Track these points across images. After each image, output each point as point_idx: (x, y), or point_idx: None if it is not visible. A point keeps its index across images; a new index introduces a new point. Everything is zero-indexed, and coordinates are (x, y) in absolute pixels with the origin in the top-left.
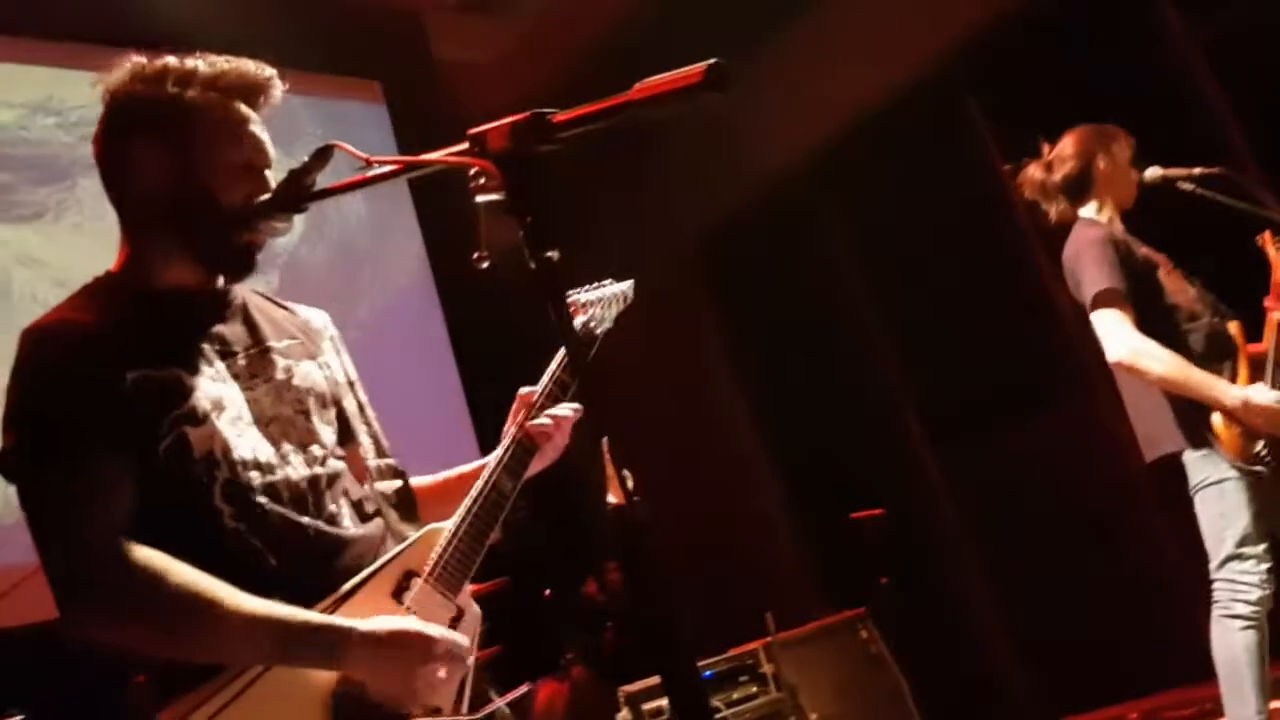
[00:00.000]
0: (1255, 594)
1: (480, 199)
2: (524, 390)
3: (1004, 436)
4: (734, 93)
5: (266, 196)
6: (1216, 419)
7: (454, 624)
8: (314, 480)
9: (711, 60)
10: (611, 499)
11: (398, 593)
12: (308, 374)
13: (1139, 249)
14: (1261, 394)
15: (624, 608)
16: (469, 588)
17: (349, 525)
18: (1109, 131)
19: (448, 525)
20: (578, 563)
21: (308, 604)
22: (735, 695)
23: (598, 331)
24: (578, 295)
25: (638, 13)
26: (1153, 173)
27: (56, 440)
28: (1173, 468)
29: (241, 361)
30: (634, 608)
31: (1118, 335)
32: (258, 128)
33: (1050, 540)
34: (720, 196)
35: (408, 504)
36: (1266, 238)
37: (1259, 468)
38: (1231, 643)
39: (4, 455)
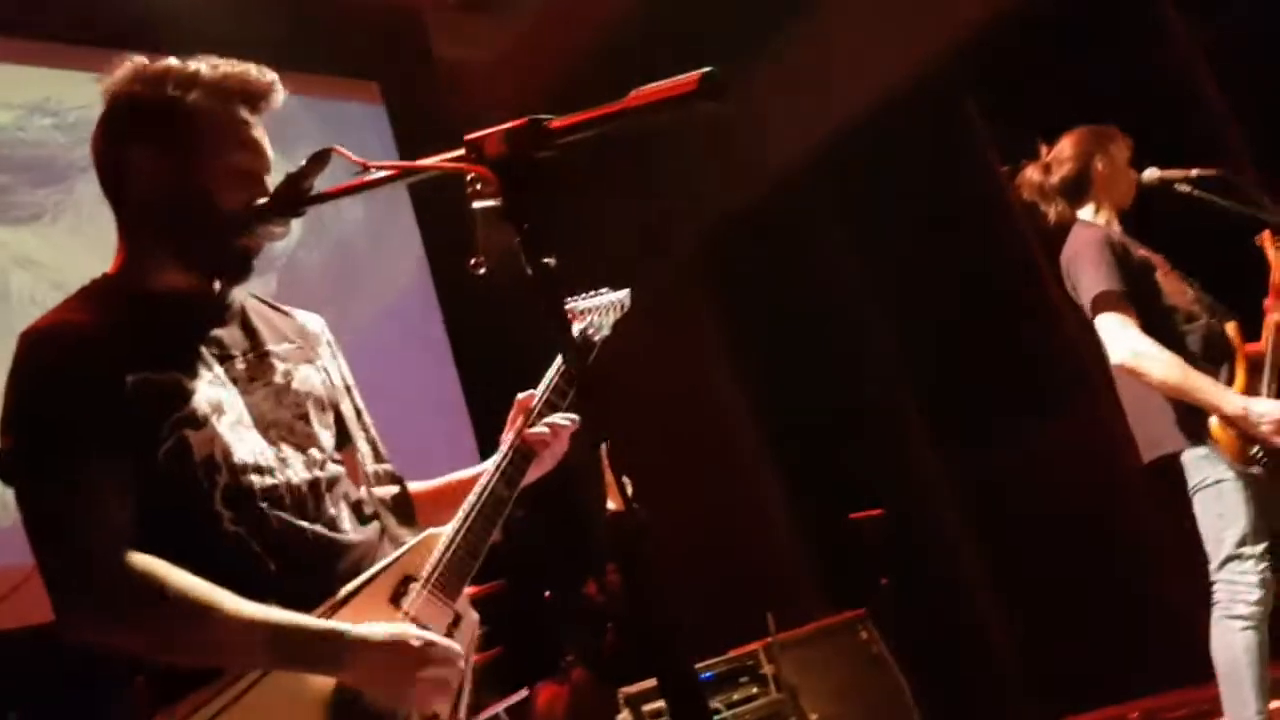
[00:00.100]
0: (1255, 594)
1: (477, 205)
2: (522, 395)
3: (1004, 436)
4: (733, 93)
5: (264, 200)
6: (1213, 420)
7: (451, 629)
8: (314, 484)
9: (706, 69)
10: (610, 505)
11: (396, 598)
12: (306, 378)
13: (1137, 250)
14: (1263, 405)
15: (624, 610)
16: (467, 592)
17: (348, 529)
18: (1107, 133)
19: (445, 530)
20: (577, 564)
21: (306, 608)
22: (736, 696)
23: (595, 339)
24: (575, 303)
25: (637, 12)
26: (1151, 174)
27: (55, 443)
28: (1171, 469)
29: (240, 365)
30: (632, 615)
31: (1121, 338)
32: (258, 132)
33: (1050, 540)
34: (720, 196)
35: (405, 509)
36: (1266, 238)
37: (1256, 468)
38: (1232, 643)
39: (2, 457)
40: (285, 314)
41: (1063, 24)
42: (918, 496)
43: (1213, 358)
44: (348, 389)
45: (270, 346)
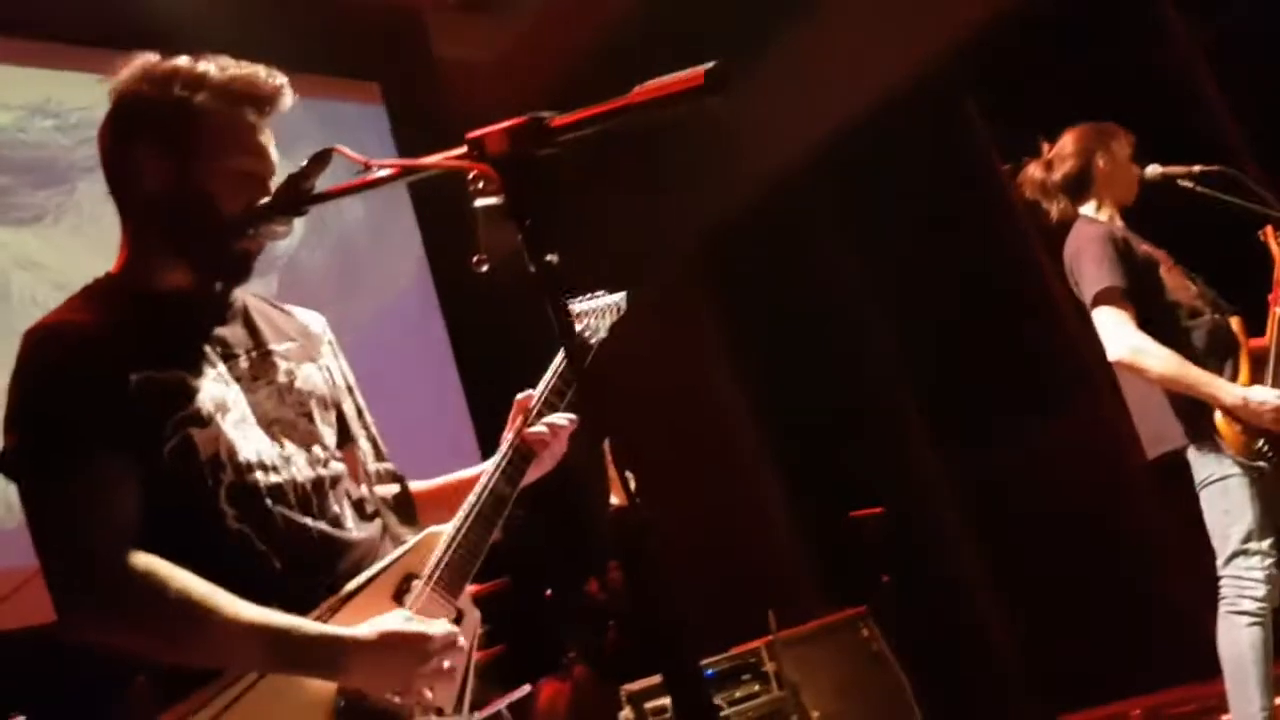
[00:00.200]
0: (1261, 590)
1: (479, 203)
2: (522, 395)
3: (1004, 435)
4: (734, 93)
5: (266, 200)
6: (1218, 416)
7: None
8: (318, 481)
9: (711, 63)
10: (614, 500)
11: (398, 595)
12: (309, 376)
13: (1139, 246)
14: (1262, 393)
15: (625, 607)
16: (469, 590)
17: (351, 527)
18: (1108, 129)
19: (447, 529)
20: (579, 562)
21: (310, 606)
22: (737, 694)
23: (592, 341)
24: (571, 305)
25: (637, 12)
26: (1153, 170)
27: (58, 441)
28: (1174, 465)
29: (244, 364)
30: (636, 610)
31: (1118, 334)
32: (264, 137)
33: (1051, 537)
34: (720, 196)
35: (406, 507)
36: (1268, 232)
37: (1261, 463)
38: (1237, 639)
39: (5, 456)
40: (287, 313)
41: (1063, 24)
42: (918, 494)
43: (1217, 353)
44: (349, 388)
45: (273, 345)
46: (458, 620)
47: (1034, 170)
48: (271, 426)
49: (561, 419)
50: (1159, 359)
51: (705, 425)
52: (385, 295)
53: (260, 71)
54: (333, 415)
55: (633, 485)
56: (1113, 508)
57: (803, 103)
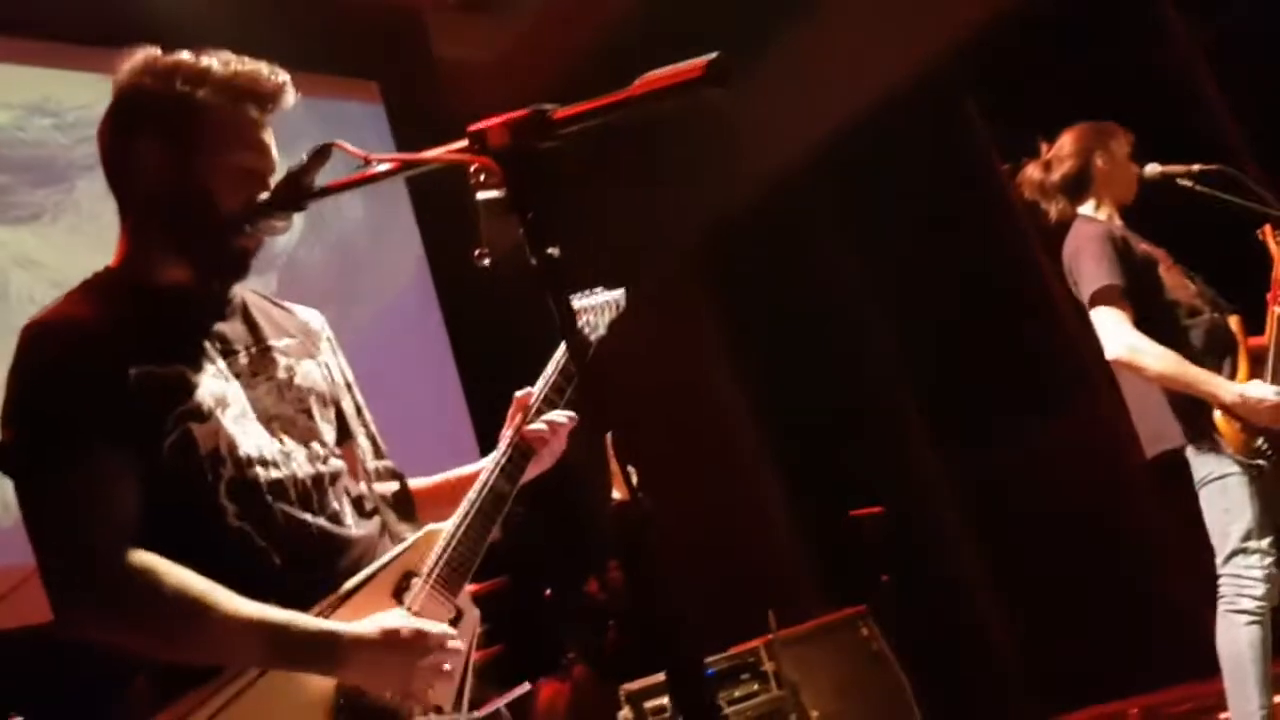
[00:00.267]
0: (1260, 589)
1: (480, 196)
2: (521, 393)
3: (1004, 434)
4: (734, 91)
5: (265, 196)
6: (1217, 414)
7: (453, 625)
8: (318, 478)
9: (713, 54)
10: (615, 495)
11: (398, 593)
12: (308, 373)
13: (1138, 245)
14: (1259, 389)
15: (625, 606)
16: (468, 588)
17: (351, 524)
18: (1106, 128)
19: (446, 526)
20: (578, 562)
21: (309, 603)
22: (737, 693)
23: (591, 338)
24: (572, 302)
25: (637, 12)
26: (1152, 169)
27: (57, 436)
28: (1173, 464)
29: (243, 360)
30: (637, 605)
31: (1115, 333)
32: (266, 134)
33: (1051, 537)
34: (720, 195)
35: (405, 505)
36: (1267, 231)
37: (1260, 461)
38: (1236, 638)
39: (3, 450)
40: (286, 310)
41: (1063, 24)
42: (918, 494)
43: (1216, 352)
44: (348, 385)
45: (272, 342)
46: (457, 618)
47: (1033, 171)
48: (271, 422)
49: (561, 416)
50: (1157, 358)
51: (704, 424)
52: (385, 293)
53: (263, 68)
54: (332, 412)
55: (634, 480)
56: (1112, 507)
57: (803, 102)
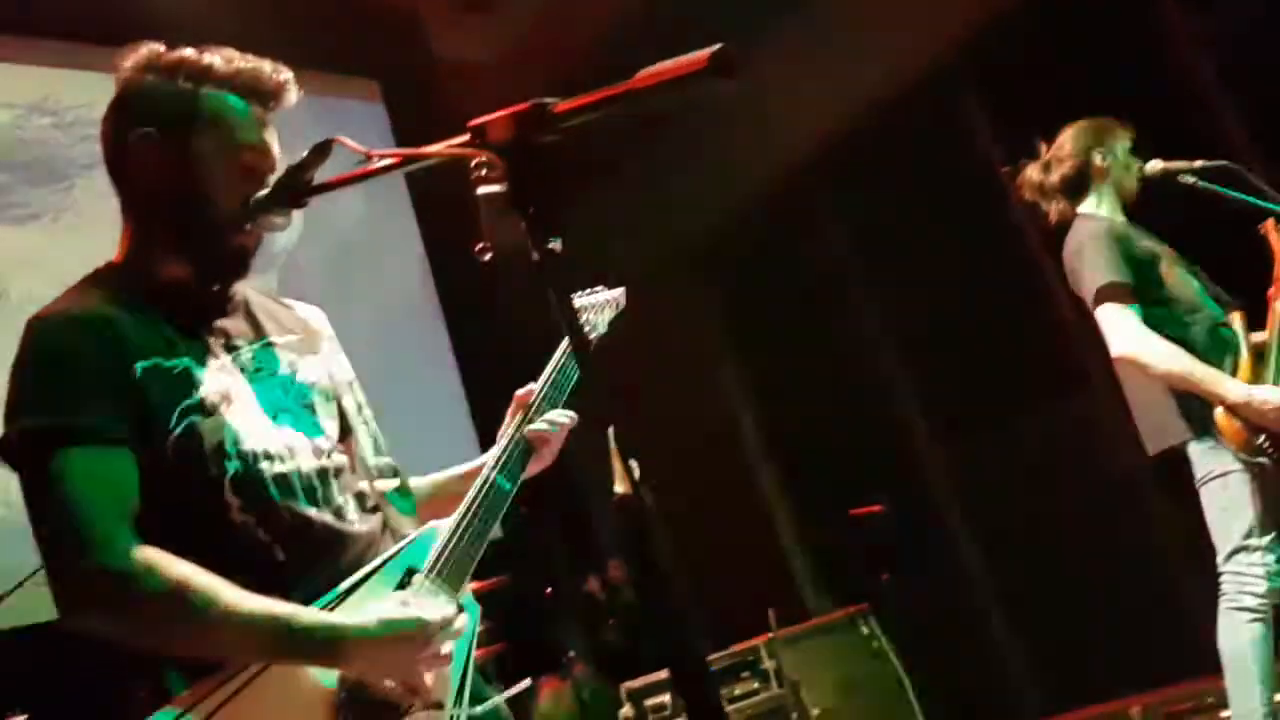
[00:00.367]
0: (1262, 586)
1: (482, 190)
2: (521, 391)
3: (1005, 433)
4: (734, 90)
5: (264, 192)
6: (1219, 412)
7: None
8: (322, 471)
9: (717, 45)
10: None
11: (399, 589)
12: (310, 369)
13: (1141, 241)
14: (1266, 391)
15: (625, 604)
16: (469, 585)
17: (354, 519)
18: (1104, 125)
19: (447, 523)
20: (579, 560)
21: (312, 599)
22: (737, 691)
23: (592, 337)
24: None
25: (637, 12)
26: (1154, 166)
27: (61, 430)
28: (1174, 461)
29: (247, 355)
30: (641, 598)
31: (1122, 330)
32: (267, 132)
33: (1051, 535)
34: (721, 194)
35: (406, 501)
36: (1269, 225)
37: (1262, 459)
38: (1238, 635)
39: (7, 443)
40: (287, 307)
41: (1063, 23)
42: (919, 492)
43: (1217, 348)
44: (349, 382)
45: (274, 338)
46: (459, 614)
47: (1032, 172)
48: (276, 417)
49: (563, 416)
50: (1163, 355)
51: (706, 421)
52: (385, 292)
53: (266, 66)
54: (334, 408)
55: (636, 474)
56: (1113, 505)
57: (803, 102)
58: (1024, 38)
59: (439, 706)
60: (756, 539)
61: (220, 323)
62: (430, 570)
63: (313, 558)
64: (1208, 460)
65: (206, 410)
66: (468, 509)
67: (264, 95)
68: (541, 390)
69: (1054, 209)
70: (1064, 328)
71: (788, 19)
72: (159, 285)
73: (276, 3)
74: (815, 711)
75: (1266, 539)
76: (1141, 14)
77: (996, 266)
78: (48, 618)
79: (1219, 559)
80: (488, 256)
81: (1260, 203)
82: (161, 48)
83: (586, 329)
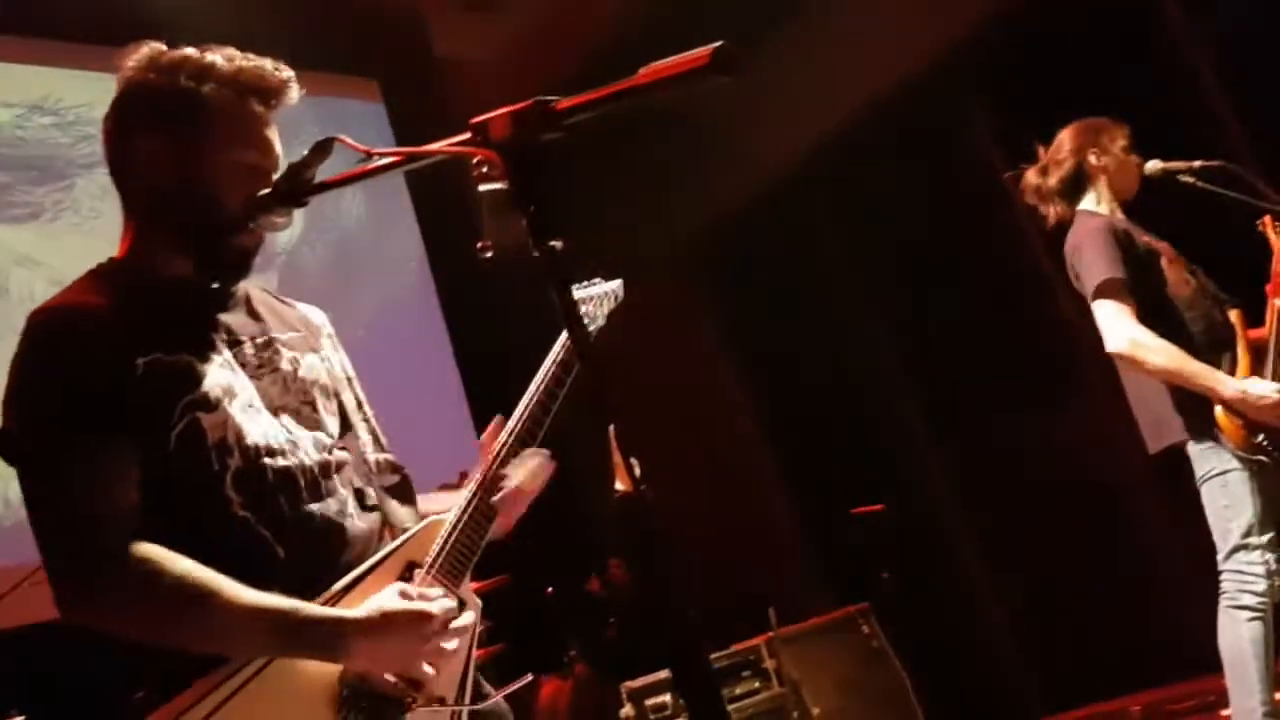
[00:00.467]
0: (1262, 585)
1: (483, 188)
2: (486, 434)
3: (1005, 432)
4: (735, 89)
5: (266, 191)
6: (1219, 410)
7: (455, 616)
8: (325, 465)
9: (718, 43)
10: (619, 487)
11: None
12: (312, 366)
13: (1141, 238)
14: (1260, 385)
15: (626, 604)
16: (470, 580)
17: (354, 515)
18: (1097, 125)
19: (448, 517)
20: (580, 559)
21: (312, 594)
22: (738, 690)
23: (591, 329)
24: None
25: (637, 10)
26: (1153, 165)
27: (62, 424)
28: (1174, 461)
29: (249, 350)
30: (643, 595)
31: (1116, 326)
32: (269, 130)
33: (1052, 533)
34: (721, 193)
35: (406, 497)
36: (1267, 222)
37: (1261, 457)
38: (1238, 634)
39: (6, 437)
40: (288, 305)
41: (1063, 23)
42: (919, 491)
43: (1216, 346)
44: (349, 380)
45: (276, 334)
46: (459, 609)
47: (1031, 176)
48: (278, 413)
49: (529, 473)
50: (1158, 352)
51: (706, 421)
52: (385, 292)
53: (267, 64)
54: (334, 405)
55: (637, 471)
56: (1113, 503)
57: (803, 102)
58: (1024, 38)
59: (441, 702)
60: (757, 538)
61: (223, 318)
62: (431, 565)
63: (312, 554)
64: (1208, 459)
65: (209, 405)
66: (468, 503)
67: (266, 93)
68: (541, 384)
69: (1053, 212)
70: (1064, 328)
71: (787, 19)
72: (161, 282)
73: (277, 2)
74: (816, 711)
75: (1265, 537)
76: (1141, 14)
77: (996, 266)
78: (47, 618)
79: (1219, 557)
80: (489, 254)
81: (1258, 202)
82: (163, 47)
83: (586, 321)
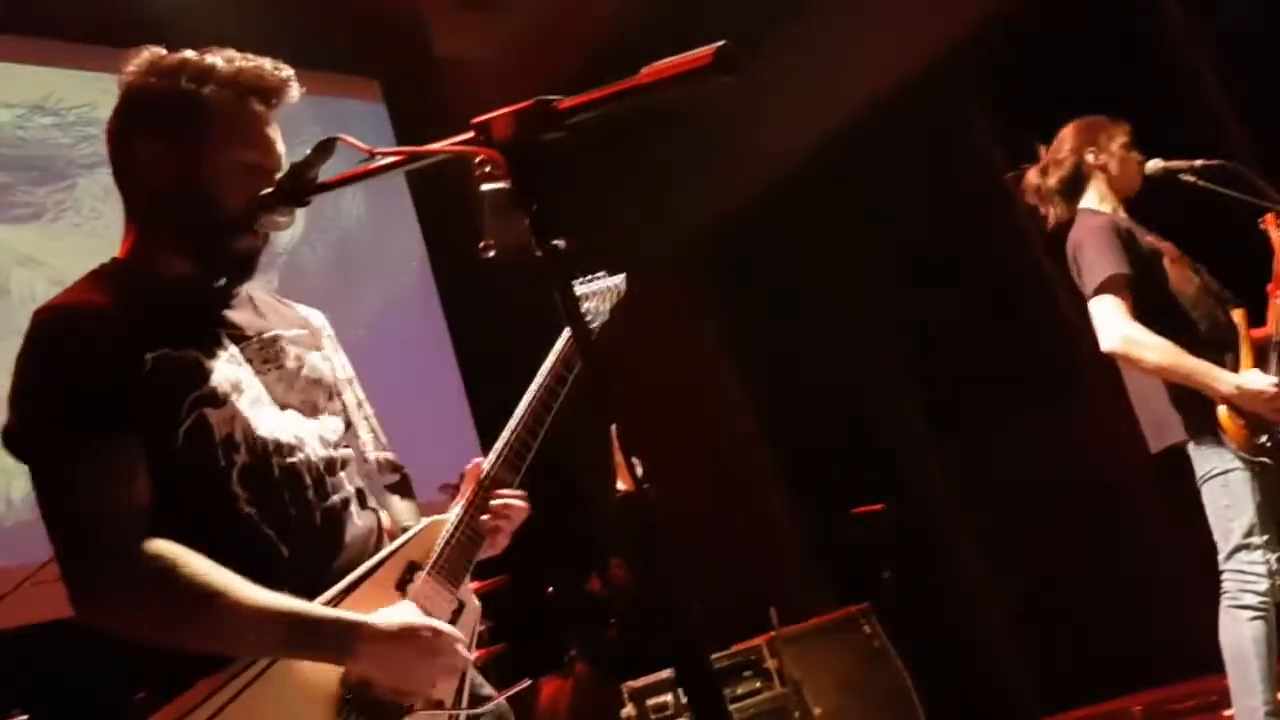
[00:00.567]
0: (1263, 584)
1: (485, 188)
2: (471, 464)
3: (1006, 432)
4: (735, 89)
5: (268, 190)
6: (1221, 410)
7: (455, 617)
8: (330, 461)
9: (720, 42)
10: (620, 486)
11: (401, 584)
12: (315, 364)
13: (1143, 237)
14: (1256, 379)
15: (627, 604)
16: (470, 581)
17: (355, 513)
18: (1097, 123)
19: (449, 518)
20: (580, 559)
21: (314, 592)
22: (739, 690)
23: (593, 325)
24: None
25: (638, 10)
26: (1154, 165)
27: (71, 420)
28: (1175, 461)
29: (255, 347)
30: (644, 594)
31: (1111, 323)
32: (271, 129)
33: (1052, 533)
34: (722, 193)
35: (407, 496)
36: (1269, 220)
37: (1264, 458)
38: (1240, 633)
39: (11, 434)
40: (289, 305)
41: (1063, 23)
42: (920, 491)
43: (1219, 344)
44: (349, 380)
45: (280, 331)
46: (459, 611)
47: (1032, 176)
48: (284, 409)
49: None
50: (1153, 349)
51: (707, 421)
52: (386, 292)
53: (267, 64)
54: (337, 404)
55: (639, 471)
56: (1113, 503)
57: (803, 101)
58: (1024, 38)
59: (439, 705)
60: (758, 538)
61: (228, 314)
62: (432, 566)
63: (315, 552)
64: (1209, 459)
65: (217, 400)
66: (468, 504)
67: (266, 93)
68: (541, 383)
69: (1052, 212)
70: (1064, 328)
71: (787, 19)
72: (163, 282)
73: (277, 3)
74: (817, 711)
75: (1267, 537)
76: (1141, 14)
77: (997, 267)
78: (49, 618)
79: (1220, 557)
80: (491, 254)
81: (1260, 201)
82: (163, 51)
83: (588, 316)
